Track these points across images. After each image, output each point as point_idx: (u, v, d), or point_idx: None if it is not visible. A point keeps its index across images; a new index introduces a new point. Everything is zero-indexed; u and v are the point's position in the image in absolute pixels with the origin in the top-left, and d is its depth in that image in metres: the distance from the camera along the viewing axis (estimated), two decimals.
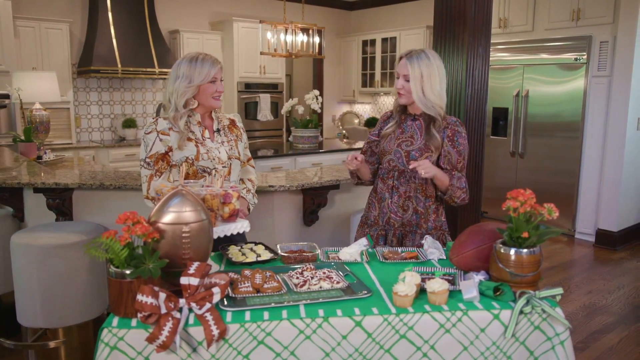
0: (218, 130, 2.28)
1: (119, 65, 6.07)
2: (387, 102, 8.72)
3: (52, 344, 2.67)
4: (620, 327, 3.56)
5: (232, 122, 2.36)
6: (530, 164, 5.92)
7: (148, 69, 6.32)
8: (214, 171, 2.13)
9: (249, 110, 7.34)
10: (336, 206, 3.32)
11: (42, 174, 3.10)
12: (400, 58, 2.27)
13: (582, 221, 5.60)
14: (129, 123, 6.65)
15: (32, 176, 3.02)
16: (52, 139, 5.49)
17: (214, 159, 2.18)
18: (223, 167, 2.20)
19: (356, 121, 9.03)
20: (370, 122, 8.56)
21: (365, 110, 9.09)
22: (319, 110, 5.54)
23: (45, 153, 4.21)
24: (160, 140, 2.13)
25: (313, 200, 3.13)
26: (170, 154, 2.14)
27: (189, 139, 2.16)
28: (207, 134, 2.23)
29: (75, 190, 2.98)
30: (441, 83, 2.23)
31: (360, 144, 6.14)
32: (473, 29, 3.18)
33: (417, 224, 2.32)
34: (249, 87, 7.27)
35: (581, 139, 5.50)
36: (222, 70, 2.20)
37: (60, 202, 2.93)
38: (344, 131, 8.64)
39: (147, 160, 2.14)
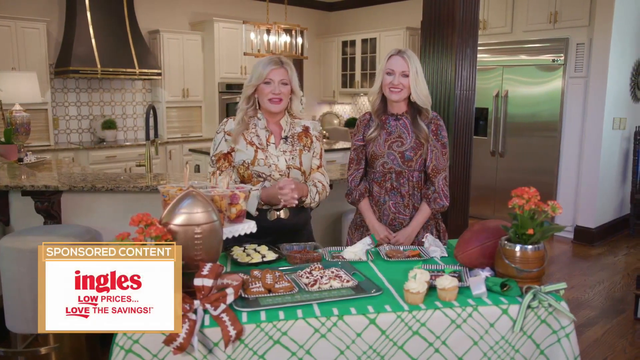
0: (286, 138, 2.22)
1: (99, 66, 5.97)
2: (367, 103, 8.76)
3: (43, 350, 2.62)
4: (603, 320, 3.67)
5: (306, 129, 2.28)
6: (510, 163, 6.04)
7: (128, 70, 6.23)
8: (224, 173, 2.12)
9: (230, 111, 7.29)
10: (328, 206, 3.33)
11: (25, 176, 3.03)
12: (391, 56, 2.28)
13: (561, 218, 5.73)
14: (109, 124, 6.54)
15: (15, 179, 2.95)
16: (30, 141, 5.34)
17: (270, 166, 2.16)
18: (280, 175, 2.16)
19: (336, 122, 9.07)
20: (351, 123, 8.60)
21: (345, 110, 9.13)
22: (303, 111, 5.55)
23: (27, 155, 4.11)
24: (225, 140, 2.20)
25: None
26: (232, 154, 2.19)
27: (251, 143, 2.17)
28: (272, 139, 2.20)
29: (64, 193, 2.92)
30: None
31: (341, 144, 6.16)
32: (461, 30, 3.24)
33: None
34: (230, 87, 7.22)
35: (559, 139, 5.65)
36: (286, 73, 2.14)
37: (49, 205, 2.87)
38: (324, 132, 8.67)
39: (212, 158, 2.22)
